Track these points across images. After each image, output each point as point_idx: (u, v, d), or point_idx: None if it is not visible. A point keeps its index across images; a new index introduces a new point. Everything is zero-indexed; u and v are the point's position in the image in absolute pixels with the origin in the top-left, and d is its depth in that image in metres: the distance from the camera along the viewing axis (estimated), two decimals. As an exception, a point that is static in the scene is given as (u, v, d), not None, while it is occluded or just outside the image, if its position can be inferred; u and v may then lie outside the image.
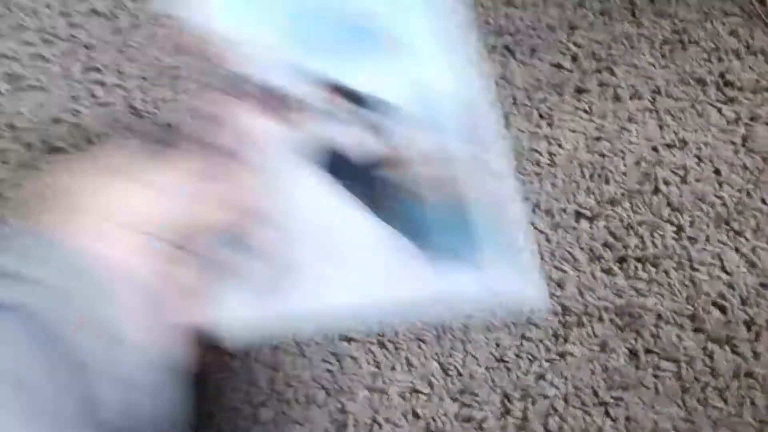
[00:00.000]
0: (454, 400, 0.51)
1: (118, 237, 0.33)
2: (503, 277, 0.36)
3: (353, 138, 0.40)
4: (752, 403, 0.50)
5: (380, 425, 0.50)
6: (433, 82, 0.41)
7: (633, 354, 0.52)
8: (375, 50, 0.41)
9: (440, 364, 0.52)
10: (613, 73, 0.67)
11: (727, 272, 0.56)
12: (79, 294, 0.30)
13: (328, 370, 0.51)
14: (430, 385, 0.52)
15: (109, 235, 0.33)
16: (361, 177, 0.39)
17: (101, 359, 0.29)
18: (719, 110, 0.65)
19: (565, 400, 0.51)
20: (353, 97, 0.40)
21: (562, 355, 0.52)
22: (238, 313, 0.36)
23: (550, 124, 0.64)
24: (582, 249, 0.57)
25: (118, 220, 0.34)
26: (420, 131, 0.40)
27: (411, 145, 0.39)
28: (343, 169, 0.39)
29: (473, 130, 0.40)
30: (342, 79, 0.40)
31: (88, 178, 0.36)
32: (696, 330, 0.53)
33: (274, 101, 0.39)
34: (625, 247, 0.57)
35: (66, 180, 0.35)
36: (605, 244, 0.57)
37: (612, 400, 0.50)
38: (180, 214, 0.36)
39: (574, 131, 0.63)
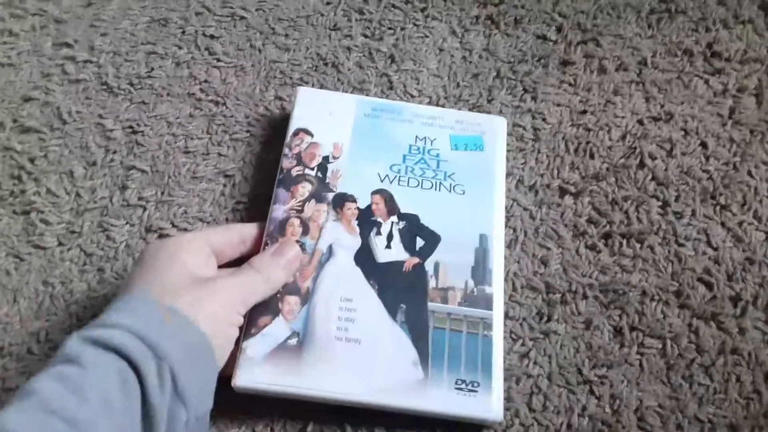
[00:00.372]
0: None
1: (223, 318, 0.42)
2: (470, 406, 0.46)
3: (384, 238, 0.51)
4: (738, 379, 0.50)
5: None
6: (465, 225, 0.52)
7: (618, 331, 0.52)
8: (425, 172, 0.54)
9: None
10: (598, 45, 0.65)
11: (713, 247, 0.55)
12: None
13: None
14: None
15: (219, 317, 0.42)
16: (380, 272, 0.49)
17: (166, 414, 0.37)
18: (706, 82, 0.63)
19: (549, 378, 0.50)
20: (395, 206, 0.52)
21: (545, 333, 0.51)
22: (255, 363, 0.45)
23: (534, 98, 0.62)
24: (566, 225, 0.56)
25: (225, 303, 0.42)
26: (442, 251, 0.51)
27: (429, 257, 0.51)
28: (371, 266, 0.50)
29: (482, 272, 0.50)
30: (390, 187, 0.53)
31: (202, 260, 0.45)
32: (681, 306, 0.53)
33: (345, 207, 0.52)
34: (610, 223, 0.56)
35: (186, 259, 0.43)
36: (590, 220, 0.56)
37: (596, 378, 0.50)
38: (262, 294, 0.46)
39: (558, 105, 0.62)
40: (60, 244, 0.54)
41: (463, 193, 0.53)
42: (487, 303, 0.49)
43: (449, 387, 0.46)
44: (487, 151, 0.55)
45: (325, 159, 0.54)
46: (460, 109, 0.61)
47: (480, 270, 0.50)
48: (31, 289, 0.52)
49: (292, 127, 0.55)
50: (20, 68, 0.62)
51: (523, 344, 0.51)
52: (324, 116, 0.56)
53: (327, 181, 0.53)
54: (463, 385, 0.46)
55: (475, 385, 0.46)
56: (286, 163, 0.53)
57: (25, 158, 0.58)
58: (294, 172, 0.53)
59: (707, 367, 0.50)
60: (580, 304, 0.53)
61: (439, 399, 0.45)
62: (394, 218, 0.52)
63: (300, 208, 0.51)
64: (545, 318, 0.52)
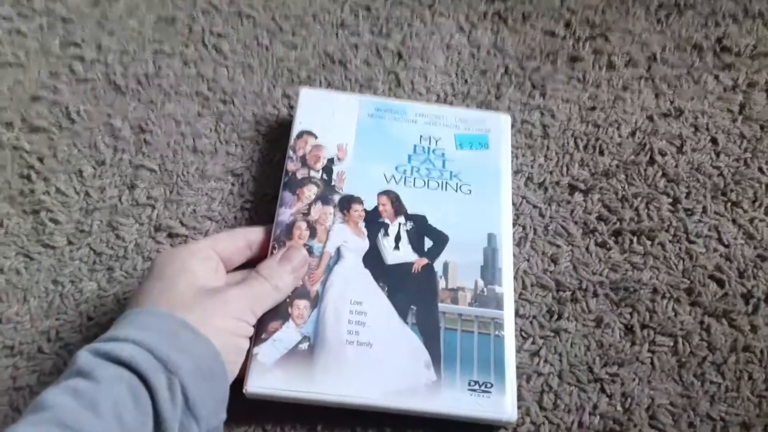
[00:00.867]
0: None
1: (233, 330, 0.42)
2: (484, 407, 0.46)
3: (392, 240, 0.51)
4: (750, 377, 0.50)
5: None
6: (471, 218, 0.52)
7: (629, 329, 0.52)
8: (431, 172, 0.54)
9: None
10: (607, 40, 0.65)
11: (724, 244, 0.55)
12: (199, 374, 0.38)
13: None
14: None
15: (229, 330, 0.42)
16: (389, 274, 0.49)
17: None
18: (716, 77, 0.63)
19: (560, 377, 0.50)
20: (402, 207, 0.52)
21: (556, 331, 0.51)
22: (266, 369, 0.45)
23: (543, 95, 0.62)
24: (576, 223, 0.56)
25: (234, 314, 0.42)
26: (450, 251, 0.50)
27: (438, 257, 0.50)
28: (380, 268, 0.49)
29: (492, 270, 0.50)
30: (396, 189, 0.53)
31: (210, 271, 0.44)
32: (693, 304, 0.52)
33: (352, 210, 0.52)
34: (620, 220, 0.56)
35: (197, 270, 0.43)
36: (600, 218, 0.56)
37: (607, 377, 0.50)
38: (271, 302, 0.46)
39: (567, 101, 0.62)
40: (69, 243, 0.54)
41: (470, 193, 0.53)
42: (497, 303, 0.49)
43: (462, 388, 0.45)
44: (492, 149, 0.55)
45: (330, 161, 0.54)
46: (468, 106, 0.61)
47: (489, 269, 0.50)
48: (41, 288, 0.52)
49: (296, 129, 0.55)
50: (28, 68, 0.62)
51: (533, 342, 0.51)
52: (327, 117, 0.56)
53: (333, 183, 0.53)
54: (477, 387, 0.45)
55: (489, 386, 0.46)
56: (290, 165, 0.53)
57: (35, 158, 0.58)
58: (299, 175, 0.53)
59: (719, 364, 0.50)
60: (590, 302, 0.52)
61: (453, 401, 0.45)
62: (402, 219, 0.51)
63: (306, 211, 0.51)
64: (555, 316, 0.52)
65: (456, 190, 0.53)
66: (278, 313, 0.47)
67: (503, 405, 0.45)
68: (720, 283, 0.53)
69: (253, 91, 0.61)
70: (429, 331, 0.47)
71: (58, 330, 0.51)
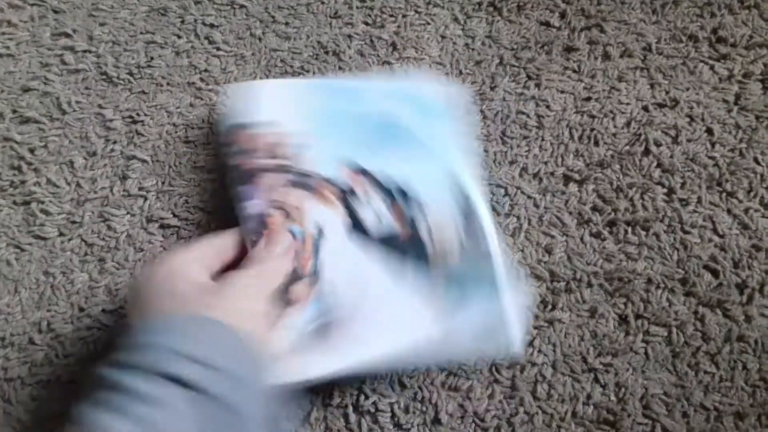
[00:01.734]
0: (441, 369, 0.50)
1: (258, 320, 0.42)
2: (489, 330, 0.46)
3: (373, 214, 0.50)
4: (744, 367, 0.50)
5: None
6: (443, 180, 0.51)
7: (623, 319, 0.51)
8: (396, 144, 0.53)
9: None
10: (602, 31, 0.64)
11: (719, 234, 0.55)
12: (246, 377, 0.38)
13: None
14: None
15: (253, 320, 0.41)
16: (379, 246, 0.49)
17: None
18: (712, 67, 0.63)
19: (554, 367, 0.50)
20: (374, 181, 0.51)
21: (550, 321, 0.51)
22: (280, 358, 0.45)
23: (537, 85, 0.62)
24: (570, 213, 0.55)
25: (253, 307, 0.42)
26: (429, 215, 0.50)
27: (420, 224, 0.50)
28: (367, 241, 0.49)
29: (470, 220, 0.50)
30: (365, 165, 0.51)
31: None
32: (687, 294, 0.52)
33: (320, 187, 0.50)
34: (615, 210, 0.55)
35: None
36: (594, 208, 0.56)
37: (601, 367, 0.49)
38: (272, 286, 0.45)
39: (562, 92, 0.61)
40: (61, 234, 0.54)
41: (436, 157, 0.52)
42: (485, 254, 0.48)
43: (469, 335, 0.46)
44: (450, 113, 0.55)
45: (292, 146, 0.52)
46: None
47: (470, 225, 0.49)
48: (32, 280, 0.52)
49: (248, 121, 0.53)
50: (19, 59, 0.62)
51: (527, 332, 0.51)
52: (284, 105, 0.54)
53: (298, 166, 0.51)
54: (482, 330, 0.46)
55: (492, 326, 0.46)
56: (245, 159, 0.51)
57: (25, 149, 0.57)
58: (260, 165, 0.51)
59: (713, 354, 0.50)
60: (584, 292, 0.52)
61: (462, 347, 0.46)
62: (376, 192, 0.51)
63: (275, 199, 0.49)
64: (550, 306, 0.52)
65: (424, 158, 0.52)
66: (280, 300, 0.46)
67: (508, 339, 0.46)
68: (714, 274, 0.53)
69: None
70: (426, 291, 0.47)
71: (50, 321, 0.50)
